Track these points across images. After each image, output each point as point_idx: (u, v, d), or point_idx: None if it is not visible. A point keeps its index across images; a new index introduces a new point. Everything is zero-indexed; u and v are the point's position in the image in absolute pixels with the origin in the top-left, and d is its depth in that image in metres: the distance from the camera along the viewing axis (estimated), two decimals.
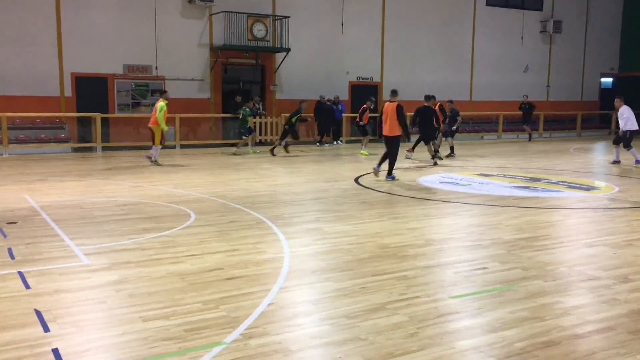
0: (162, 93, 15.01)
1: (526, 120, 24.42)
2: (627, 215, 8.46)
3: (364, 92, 22.70)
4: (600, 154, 19.24)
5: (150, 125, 14.57)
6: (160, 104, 14.36)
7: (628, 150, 15.24)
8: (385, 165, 12.04)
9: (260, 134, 20.89)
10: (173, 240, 6.80)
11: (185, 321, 4.36)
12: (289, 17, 21.10)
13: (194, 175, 12.61)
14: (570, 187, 11.28)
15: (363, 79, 23.60)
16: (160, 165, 14.39)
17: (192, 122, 20.30)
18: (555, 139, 25.29)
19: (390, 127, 11.69)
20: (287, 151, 17.51)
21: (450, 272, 5.67)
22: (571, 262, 6.05)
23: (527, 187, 11.10)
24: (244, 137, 17.88)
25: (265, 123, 21.03)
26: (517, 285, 5.24)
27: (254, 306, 4.70)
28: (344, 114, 21.90)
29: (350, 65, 23.13)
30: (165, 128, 14.52)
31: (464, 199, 9.76)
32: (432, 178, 12.26)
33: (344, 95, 22.98)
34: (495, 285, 5.24)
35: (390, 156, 11.89)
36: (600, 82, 30.22)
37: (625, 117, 15.07)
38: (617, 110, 15.46)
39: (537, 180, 12.12)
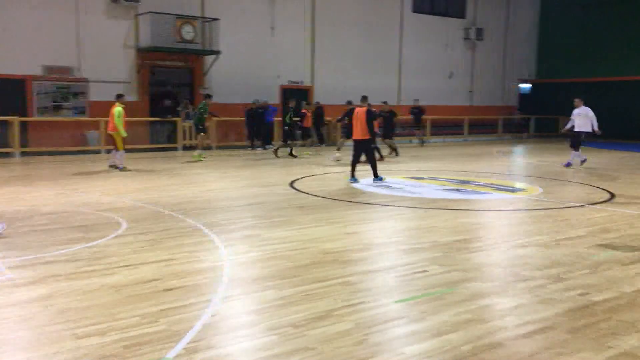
0: (119, 97, 14.44)
1: (417, 125, 23.65)
2: (553, 216, 8.83)
3: (295, 96, 22.64)
4: (521, 156, 20.08)
5: (109, 131, 14.15)
6: (117, 108, 13.93)
7: (575, 150, 15.56)
8: (357, 172, 12.32)
9: (190, 138, 20.44)
10: (104, 251, 6.48)
11: (122, 337, 4.13)
12: (218, 19, 20.78)
13: (123, 182, 12.14)
14: (498, 189, 11.68)
15: (294, 82, 23.58)
16: (128, 170, 13.88)
17: None
18: (480, 142, 26.17)
19: (361, 131, 11.95)
20: (276, 155, 17.51)
21: (392, 276, 5.69)
22: (505, 263, 6.22)
23: (457, 190, 11.39)
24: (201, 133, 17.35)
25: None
26: (457, 288, 5.33)
27: (196, 318, 4.53)
28: (275, 118, 21.78)
29: (281, 68, 23.06)
30: (124, 134, 14.02)
31: (399, 202, 9.89)
32: (365, 182, 12.36)
33: (275, 99, 22.87)
34: (436, 288, 5.30)
35: (369, 161, 12.30)
36: (519, 88, 31.60)
37: (586, 117, 15.38)
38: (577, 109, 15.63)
39: (466, 182, 12.47)
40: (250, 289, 5.27)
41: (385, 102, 18.54)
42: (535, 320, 4.51)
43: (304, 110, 18.06)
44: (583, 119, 15.53)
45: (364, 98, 12.47)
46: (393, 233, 7.61)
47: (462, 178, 13.24)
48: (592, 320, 4.53)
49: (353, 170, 12.24)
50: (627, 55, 27.74)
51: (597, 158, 18.54)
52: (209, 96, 17.33)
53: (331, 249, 6.69)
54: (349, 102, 19.05)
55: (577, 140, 15.55)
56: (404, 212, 9.10)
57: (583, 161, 15.76)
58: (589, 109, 15.59)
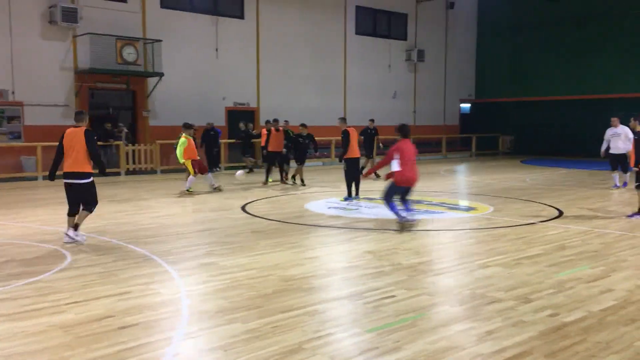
0: (186, 127, 14.42)
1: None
2: (508, 234, 8.89)
3: (241, 118, 22.40)
4: (465, 175, 20.44)
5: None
6: (182, 139, 14.10)
7: (624, 172, 14.46)
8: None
9: (134, 162, 19.79)
10: (50, 286, 6.02)
11: None
12: (160, 40, 20.34)
13: (65, 210, 11.47)
14: (450, 208, 11.75)
15: (240, 104, 23.31)
16: (192, 193, 13.87)
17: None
18: (425, 162, 26.53)
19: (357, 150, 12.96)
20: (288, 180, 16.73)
21: (360, 302, 5.51)
22: (471, 284, 6.15)
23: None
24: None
25: (139, 151, 19.97)
26: (428, 313, 5.19)
27: (157, 358, 4.19)
28: (221, 141, 21.39)
29: (226, 90, 22.75)
30: (181, 160, 14.27)
31: (355, 224, 9.76)
32: (318, 204, 12.19)
33: (221, 121, 22.51)
34: (407, 314, 5.15)
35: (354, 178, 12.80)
36: (459, 108, 32.42)
37: (626, 138, 13.95)
38: (615, 129, 14.47)
39: (419, 202, 12.49)
40: (213, 323, 4.97)
41: (372, 120, 19.01)
42: (512, 345, 4.41)
43: (264, 130, 17.53)
44: (624, 140, 14.16)
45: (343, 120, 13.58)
46: (355, 257, 7.44)
47: (414, 198, 13.24)
48: (568, 342, 4.47)
49: (350, 190, 12.71)
50: (556, 75, 28.96)
51: (539, 175, 19.08)
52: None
53: (293, 276, 6.45)
54: (269, 121, 17.38)
55: (625, 162, 13.98)
56: (362, 234, 8.97)
57: (619, 186, 14.62)
58: (628, 129, 13.48)
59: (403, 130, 9.47)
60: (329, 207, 11.68)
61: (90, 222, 9.25)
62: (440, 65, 30.86)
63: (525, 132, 30.38)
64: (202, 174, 14.23)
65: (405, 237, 8.70)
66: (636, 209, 10.46)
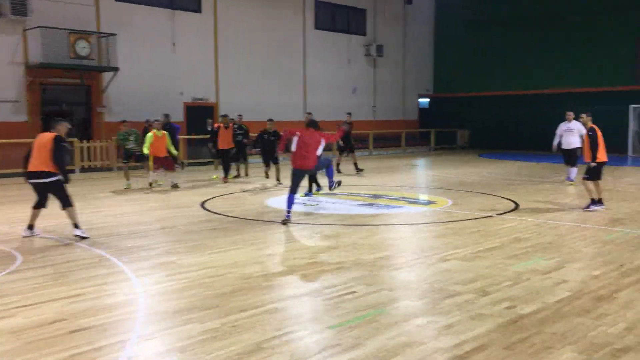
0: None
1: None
2: (466, 227, 9.00)
3: (200, 114, 22.10)
4: (424, 169, 20.66)
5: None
6: (149, 134, 13.86)
7: (572, 166, 14.31)
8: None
9: (89, 159, 19.30)
10: None
11: None
12: (115, 34, 19.85)
13: (14, 208, 11.11)
14: (410, 202, 11.84)
15: (198, 99, 22.98)
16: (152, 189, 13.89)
17: (6, 148, 18.08)
18: (385, 156, 26.71)
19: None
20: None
21: (320, 299, 5.47)
22: (430, 278, 6.19)
23: (372, 205, 11.42)
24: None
25: (95, 148, 19.48)
26: (388, 308, 5.19)
27: None
28: (180, 136, 21.01)
29: (184, 85, 22.39)
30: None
31: (316, 220, 9.72)
32: (279, 200, 12.11)
33: (179, 116, 22.14)
34: (367, 310, 5.13)
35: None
36: (418, 102, 32.75)
37: (579, 133, 13.74)
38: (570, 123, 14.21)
39: (380, 197, 12.55)
40: (170, 324, 4.85)
41: (349, 114, 18.81)
42: (471, 339, 4.45)
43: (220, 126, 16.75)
44: (576, 135, 14.07)
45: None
46: (314, 253, 7.39)
47: (374, 192, 13.32)
48: (525, 334, 4.53)
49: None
50: (512, 71, 29.54)
51: (496, 168, 19.43)
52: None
53: (252, 274, 6.37)
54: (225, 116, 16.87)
55: (575, 157, 14.19)
56: (323, 229, 8.93)
57: (573, 180, 14.41)
58: (581, 124, 13.16)
59: (312, 123, 9.73)
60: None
61: (42, 222, 8.94)
62: (399, 60, 31.09)
63: (482, 126, 30.91)
64: (168, 170, 14.15)
65: (365, 232, 8.70)
66: (589, 201, 10.71)
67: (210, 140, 16.59)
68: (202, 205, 11.46)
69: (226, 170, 15.77)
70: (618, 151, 25.19)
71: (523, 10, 29.00)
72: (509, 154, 26.42)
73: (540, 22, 28.56)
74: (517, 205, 11.21)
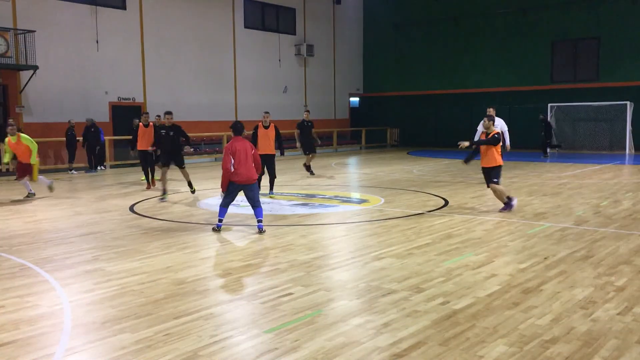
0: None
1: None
2: (399, 225, 9.14)
3: (127, 113, 21.42)
4: (356, 167, 20.89)
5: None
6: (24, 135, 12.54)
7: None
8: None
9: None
10: None
11: None
12: (34, 31, 18.92)
13: None
14: (344, 201, 11.92)
15: (124, 99, 22.26)
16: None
17: None
18: (317, 155, 26.72)
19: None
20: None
21: (257, 302, 5.39)
22: (366, 277, 6.23)
23: (306, 204, 11.41)
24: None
25: None
26: (325, 309, 5.18)
27: None
28: (107, 137, 20.31)
29: (109, 85, 21.65)
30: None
31: (249, 221, 9.60)
32: (211, 201, 11.90)
33: (104, 117, 21.38)
34: (305, 311, 5.10)
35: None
36: (349, 102, 33.10)
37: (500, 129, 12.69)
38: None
39: (313, 196, 12.57)
40: (99, 335, 4.64)
41: (307, 112, 17.79)
42: (407, 336, 4.50)
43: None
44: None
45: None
46: (250, 255, 7.30)
47: (307, 192, 13.33)
48: (459, 330, 4.63)
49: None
50: (436, 70, 30.40)
51: (425, 166, 19.90)
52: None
53: (186, 279, 6.21)
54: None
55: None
56: (256, 231, 8.82)
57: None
58: (502, 121, 13.76)
59: (235, 128, 8.72)
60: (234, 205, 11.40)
61: None
62: (329, 59, 31.31)
63: (411, 124, 31.61)
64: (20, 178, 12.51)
65: (299, 232, 8.68)
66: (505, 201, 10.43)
67: (131, 141, 15.25)
68: (131, 208, 11.10)
69: (146, 174, 14.34)
70: (538, 147, 26.47)
71: (448, 11, 29.87)
72: (436, 151, 27.13)
73: (464, 22, 29.52)
74: (446, 202, 11.50)
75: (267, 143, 12.35)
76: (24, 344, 4.45)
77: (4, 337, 4.58)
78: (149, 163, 14.34)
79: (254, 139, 12.11)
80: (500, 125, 13.55)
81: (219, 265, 6.85)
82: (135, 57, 22.57)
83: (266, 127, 12.45)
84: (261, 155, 10.36)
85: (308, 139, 16.63)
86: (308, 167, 16.92)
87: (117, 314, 5.10)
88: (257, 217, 8.67)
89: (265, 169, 11.73)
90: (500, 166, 10.22)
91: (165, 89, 23.34)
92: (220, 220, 8.80)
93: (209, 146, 24.47)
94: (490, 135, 10.11)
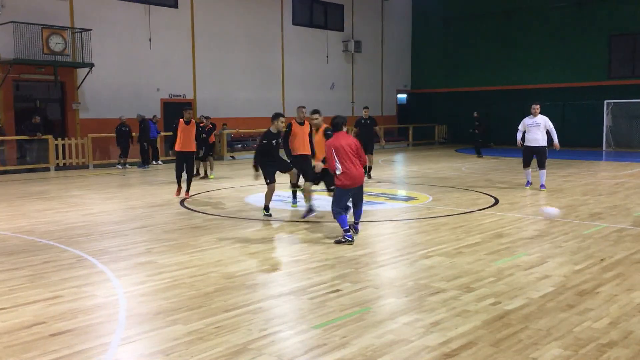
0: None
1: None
2: (448, 223, 9.02)
3: (177, 110, 21.81)
4: (403, 165, 20.71)
5: None
6: None
7: (542, 169, 12.55)
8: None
9: (64, 157, 18.96)
10: None
11: None
12: (90, 30, 19.52)
13: None
14: (391, 199, 11.84)
15: (175, 96, 22.71)
16: None
17: None
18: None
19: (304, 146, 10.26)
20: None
21: (305, 298, 5.41)
22: (415, 275, 6.17)
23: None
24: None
25: (69, 145, 19.15)
26: (373, 306, 5.16)
27: None
28: (163, 133, 20.74)
29: (161, 81, 22.13)
30: None
31: (297, 217, 9.65)
32: (260, 197, 12.00)
33: (157, 112, 21.87)
34: (353, 308, 5.10)
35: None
36: (397, 98, 32.84)
37: (545, 128, 12.34)
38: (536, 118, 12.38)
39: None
40: (152, 325, 4.75)
41: (366, 108, 15.69)
42: (458, 336, 4.43)
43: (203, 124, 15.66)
44: (543, 130, 12.37)
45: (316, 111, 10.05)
46: (297, 250, 7.34)
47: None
48: (511, 331, 4.53)
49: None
50: (487, 66, 29.77)
51: (474, 164, 19.55)
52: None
53: (235, 273, 6.29)
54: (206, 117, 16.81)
55: (543, 156, 12.55)
56: (303, 226, 8.88)
57: (531, 183, 12.98)
58: (547, 118, 12.57)
59: (336, 123, 7.91)
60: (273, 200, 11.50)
61: (16, 221, 8.74)
62: (377, 56, 31.12)
63: (458, 121, 31.10)
64: None
65: None
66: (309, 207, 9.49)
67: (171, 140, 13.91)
68: (182, 203, 11.32)
69: (179, 180, 12.23)
70: (592, 145, 25.63)
71: (499, 5, 29.22)
72: (485, 149, 26.62)
73: (515, 16, 28.81)
74: (496, 200, 11.28)
75: (301, 142, 10.20)
76: (81, 332, 4.60)
77: (62, 325, 4.75)
78: (187, 169, 12.05)
79: (285, 138, 10.18)
80: (544, 122, 12.47)
81: (268, 260, 6.91)
82: (186, 54, 22.99)
83: (301, 124, 10.34)
84: (296, 157, 10.02)
85: (367, 139, 14.67)
86: (368, 169, 15.01)
87: (170, 306, 5.21)
88: (356, 220, 8.10)
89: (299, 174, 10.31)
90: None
91: (214, 86, 23.69)
92: (347, 231, 7.60)
93: (256, 142, 24.69)
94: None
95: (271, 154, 9.52)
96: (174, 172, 12.30)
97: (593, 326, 4.61)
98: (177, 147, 12.00)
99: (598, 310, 4.98)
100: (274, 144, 9.52)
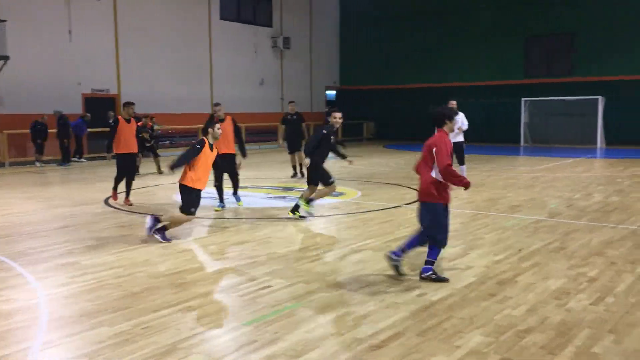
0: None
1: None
2: (376, 218, 9.20)
3: (100, 105, 21.11)
4: (333, 160, 20.86)
5: None
6: None
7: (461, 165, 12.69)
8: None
9: None
10: None
11: None
12: (5, 20, 18.51)
13: None
14: None
15: (98, 90, 21.93)
16: None
17: None
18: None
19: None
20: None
21: (235, 295, 5.39)
22: (345, 269, 6.27)
23: (283, 197, 11.41)
24: None
25: None
26: (304, 301, 5.20)
27: None
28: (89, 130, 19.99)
29: (82, 76, 21.29)
30: None
31: (227, 214, 9.57)
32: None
33: (77, 108, 21.05)
34: (284, 304, 5.12)
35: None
36: (326, 95, 33.09)
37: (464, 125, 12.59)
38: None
39: (291, 189, 12.57)
40: (76, 329, 4.59)
41: (292, 102, 15.10)
42: (386, 328, 4.54)
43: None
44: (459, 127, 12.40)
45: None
46: (227, 247, 7.28)
47: (284, 185, 13.32)
48: (436, 320, 4.69)
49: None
50: (413, 64, 30.54)
51: (401, 159, 20.02)
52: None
53: (164, 272, 6.17)
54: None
55: (461, 153, 12.65)
56: (234, 224, 8.82)
57: None
58: (462, 114, 12.82)
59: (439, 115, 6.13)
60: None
61: None
62: (306, 52, 31.23)
63: (387, 118, 31.75)
64: None
65: (277, 225, 8.68)
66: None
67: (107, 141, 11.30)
68: (107, 201, 10.97)
69: (116, 186, 10.71)
70: (511, 141, 26.83)
71: (425, 5, 29.99)
72: (412, 145, 27.28)
73: (443, 17, 29.66)
74: None
75: (223, 140, 9.35)
76: (0, 338, 4.39)
77: None
78: (130, 173, 10.66)
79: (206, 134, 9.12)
80: (460, 119, 12.66)
81: (197, 258, 6.82)
82: (110, 48, 22.23)
83: (221, 121, 9.55)
84: (219, 156, 8.57)
85: (294, 136, 14.31)
86: (296, 168, 14.61)
87: (94, 308, 5.05)
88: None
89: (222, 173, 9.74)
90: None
91: (140, 81, 23.04)
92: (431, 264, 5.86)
93: (184, 139, 24.24)
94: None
95: (325, 151, 9.02)
96: (115, 175, 10.63)
97: (512, 313, 4.85)
98: (120, 149, 10.33)
99: (517, 298, 5.23)
100: (331, 140, 9.03)
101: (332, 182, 9.00)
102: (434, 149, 5.80)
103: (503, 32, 27.97)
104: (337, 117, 8.95)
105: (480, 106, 27.07)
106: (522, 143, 26.55)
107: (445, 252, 6.91)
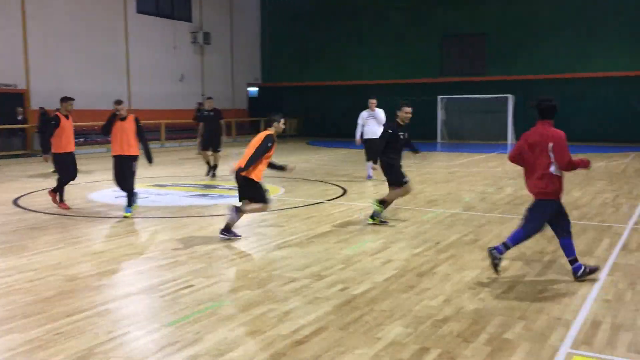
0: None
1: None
2: (299, 214, 9.25)
3: (8, 101, 19.98)
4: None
5: None
6: None
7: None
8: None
9: None
10: None
11: None
12: None
13: None
14: None
15: (5, 85, 20.73)
16: None
17: None
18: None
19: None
20: None
21: (156, 296, 5.27)
22: (268, 266, 6.27)
23: (205, 195, 11.25)
24: None
25: None
26: (227, 300, 5.16)
27: None
28: None
29: None
30: None
31: (146, 213, 9.33)
32: (104, 193, 11.42)
33: None
34: (206, 303, 5.06)
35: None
36: (247, 92, 32.86)
37: (381, 121, 12.61)
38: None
39: (213, 187, 12.40)
40: None
41: (210, 99, 14.70)
42: (309, 323, 4.59)
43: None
44: (379, 123, 12.59)
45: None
46: (147, 248, 7.10)
47: (206, 182, 13.12)
48: (358, 314, 4.79)
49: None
50: (334, 62, 30.91)
51: (324, 156, 20.21)
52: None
53: (78, 274, 5.94)
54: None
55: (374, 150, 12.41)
56: (154, 222, 8.60)
57: (372, 177, 13.19)
58: (382, 111, 13.06)
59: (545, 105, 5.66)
60: (117, 197, 10.97)
61: None
62: (227, 48, 30.87)
63: (309, 115, 31.94)
64: None
65: (199, 223, 8.56)
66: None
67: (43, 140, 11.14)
68: (15, 202, 10.41)
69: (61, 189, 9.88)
70: (429, 138, 27.68)
71: (342, 3, 30.39)
72: (335, 141, 27.61)
73: (362, 15, 30.16)
74: (345, 190, 11.77)
75: (124, 141, 8.88)
76: None
77: None
78: (69, 173, 9.83)
79: (106, 134, 9.12)
80: (380, 116, 13.04)
81: (114, 260, 6.60)
82: (17, 41, 21.05)
83: (122, 120, 9.03)
84: (115, 157, 8.77)
85: (211, 133, 13.97)
86: (212, 168, 14.06)
87: (4, 314, 4.79)
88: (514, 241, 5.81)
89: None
90: None
91: (50, 76, 21.96)
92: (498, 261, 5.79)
93: (100, 136, 23.36)
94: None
95: (397, 149, 8.57)
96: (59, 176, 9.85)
97: (430, 304, 5.02)
98: (61, 149, 9.68)
99: (434, 289, 5.42)
100: (401, 137, 8.54)
101: (406, 182, 8.52)
102: (550, 145, 5.48)
103: (419, 31, 28.81)
104: (407, 112, 8.50)
105: (397, 103, 27.73)
106: (439, 139, 27.44)
107: (366, 247, 7.06)
